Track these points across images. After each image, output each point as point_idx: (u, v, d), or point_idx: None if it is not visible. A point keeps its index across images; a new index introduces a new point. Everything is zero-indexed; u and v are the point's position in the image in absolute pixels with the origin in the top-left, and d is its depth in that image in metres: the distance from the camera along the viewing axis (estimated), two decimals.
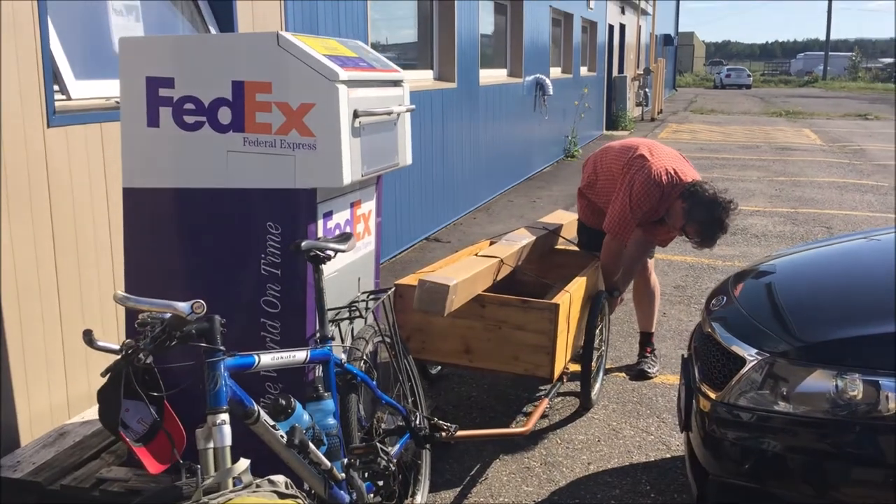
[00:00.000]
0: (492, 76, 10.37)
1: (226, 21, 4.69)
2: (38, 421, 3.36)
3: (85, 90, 3.75)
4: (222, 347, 2.01)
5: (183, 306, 1.90)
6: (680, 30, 50.24)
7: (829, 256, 3.49)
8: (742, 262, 7.04)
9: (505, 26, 11.29)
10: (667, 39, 35.50)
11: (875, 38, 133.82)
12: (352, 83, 2.73)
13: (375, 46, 6.83)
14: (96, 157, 3.63)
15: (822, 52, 72.25)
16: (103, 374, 2.01)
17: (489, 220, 9.12)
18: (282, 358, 2.31)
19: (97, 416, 3.33)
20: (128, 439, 2.10)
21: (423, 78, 8.15)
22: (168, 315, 1.93)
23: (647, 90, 24.67)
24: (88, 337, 1.98)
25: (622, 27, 22.53)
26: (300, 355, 2.39)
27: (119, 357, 1.96)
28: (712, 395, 2.70)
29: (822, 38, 74.83)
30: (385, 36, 7.63)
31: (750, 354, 2.62)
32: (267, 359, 2.24)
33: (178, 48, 2.83)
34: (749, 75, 56.08)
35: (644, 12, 26.18)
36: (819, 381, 2.44)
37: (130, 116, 2.83)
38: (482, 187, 9.90)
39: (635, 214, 4.12)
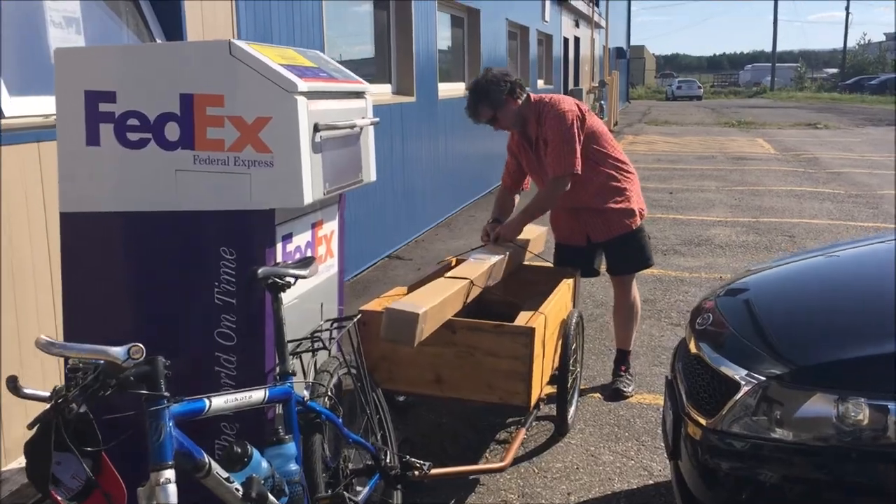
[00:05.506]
0: (450, 90, 10.22)
1: (174, 33, 4.44)
2: None
3: (20, 107, 3.49)
4: (167, 393, 1.77)
5: (117, 351, 1.65)
6: (631, 43, 50.89)
7: (814, 271, 3.35)
8: (708, 273, 6.95)
9: (462, 39, 11.16)
10: (619, 52, 35.85)
11: (819, 49, 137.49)
12: (311, 95, 2.51)
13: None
14: (34, 179, 3.36)
15: (769, 64, 73.93)
16: (30, 426, 1.76)
17: (451, 235, 8.93)
18: (236, 400, 2.08)
19: None
20: (59, 498, 1.84)
21: (382, 92, 7.96)
22: (102, 361, 1.69)
23: (602, 102, 24.78)
24: (13, 384, 1.75)
25: (577, 40, 22.66)
26: (257, 395, 2.16)
27: (48, 406, 1.72)
28: (703, 422, 2.53)
29: (769, 49, 76.70)
30: (341, 50, 7.42)
31: (741, 377, 2.45)
32: (219, 402, 2.01)
33: (119, 59, 2.59)
34: (700, 87, 56.93)
35: (598, 26, 26.37)
36: (819, 405, 2.27)
37: (68, 134, 2.60)
38: (443, 202, 9.72)
39: None
